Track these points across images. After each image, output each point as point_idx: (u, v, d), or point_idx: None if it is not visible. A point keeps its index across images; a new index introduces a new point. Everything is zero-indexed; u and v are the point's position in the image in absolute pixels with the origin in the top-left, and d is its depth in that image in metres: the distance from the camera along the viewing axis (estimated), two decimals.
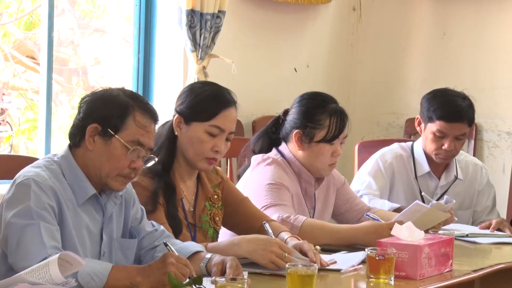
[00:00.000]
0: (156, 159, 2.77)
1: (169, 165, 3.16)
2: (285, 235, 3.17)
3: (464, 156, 4.29)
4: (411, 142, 4.28)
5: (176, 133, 3.16)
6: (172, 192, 3.12)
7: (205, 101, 3.13)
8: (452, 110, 4.03)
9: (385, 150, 4.23)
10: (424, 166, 4.16)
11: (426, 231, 3.36)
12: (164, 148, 3.16)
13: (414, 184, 4.17)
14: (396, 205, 3.90)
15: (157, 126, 2.79)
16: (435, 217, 3.63)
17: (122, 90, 2.76)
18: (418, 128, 4.17)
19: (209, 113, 3.12)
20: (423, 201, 3.90)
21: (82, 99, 2.75)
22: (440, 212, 3.62)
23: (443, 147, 4.05)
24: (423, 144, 4.15)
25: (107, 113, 2.67)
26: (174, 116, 3.18)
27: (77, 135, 2.71)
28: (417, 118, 4.16)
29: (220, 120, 3.12)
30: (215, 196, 3.31)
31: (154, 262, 2.58)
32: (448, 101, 4.05)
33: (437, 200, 4.00)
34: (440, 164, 4.16)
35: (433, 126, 4.05)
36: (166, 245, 2.69)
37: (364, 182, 4.13)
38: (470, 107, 4.06)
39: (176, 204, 3.13)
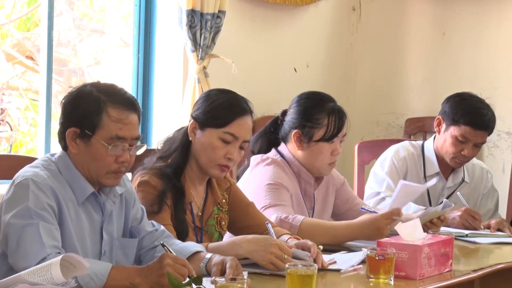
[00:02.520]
0: (145, 146, 2.76)
1: (180, 169, 3.17)
2: (285, 237, 3.18)
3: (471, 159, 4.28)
4: (422, 141, 4.28)
5: (190, 138, 3.17)
6: (181, 196, 3.13)
7: (221, 107, 3.15)
8: (480, 117, 4.03)
9: (398, 147, 4.22)
10: (434, 166, 4.16)
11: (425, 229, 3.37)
12: (177, 152, 3.18)
13: (423, 183, 4.16)
14: (422, 207, 3.85)
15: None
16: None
17: (96, 85, 2.71)
18: (436, 129, 4.14)
19: (223, 119, 3.13)
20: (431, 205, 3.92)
21: (61, 101, 2.73)
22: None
23: (462, 152, 4.04)
24: (439, 145, 4.13)
25: (81, 114, 2.65)
26: (190, 121, 3.20)
27: (62, 139, 2.70)
28: (438, 118, 4.13)
29: (234, 128, 3.13)
30: (223, 200, 3.32)
31: (152, 263, 2.58)
32: (476, 108, 4.05)
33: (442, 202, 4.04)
34: (448, 166, 4.16)
35: (457, 130, 4.03)
36: (163, 246, 2.69)
37: (382, 182, 4.11)
38: (494, 116, 4.10)
39: (184, 208, 3.14)
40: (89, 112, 2.64)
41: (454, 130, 4.05)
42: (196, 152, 3.18)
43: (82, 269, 2.31)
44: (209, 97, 3.20)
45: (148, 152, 3.28)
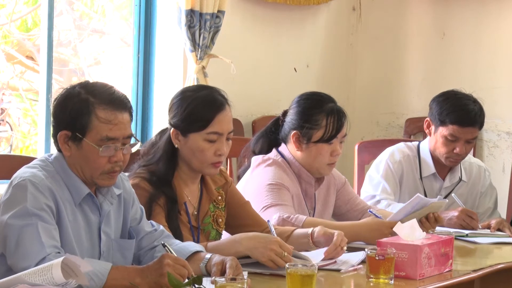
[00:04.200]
0: (139, 144, 2.75)
1: (168, 176, 3.13)
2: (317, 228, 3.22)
3: (468, 157, 4.26)
4: (417, 142, 4.26)
5: (176, 145, 3.15)
6: (173, 203, 3.11)
7: (197, 110, 3.10)
8: (465, 114, 4.00)
9: (393, 150, 4.20)
10: (430, 167, 4.15)
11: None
12: (162, 162, 3.13)
13: (419, 184, 4.16)
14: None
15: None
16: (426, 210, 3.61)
17: (84, 85, 2.70)
18: (427, 131, 4.13)
19: (203, 121, 3.09)
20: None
21: (52, 103, 2.73)
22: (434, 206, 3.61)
23: (454, 151, 4.04)
24: (432, 147, 4.12)
25: (70, 117, 2.65)
26: (170, 129, 3.16)
27: (55, 142, 2.70)
28: (427, 120, 4.13)
29: (216, 125, 3.10)
30: (219, 197, 3.30)
31: (152, 263, 2.58)
32: (461, 105, 4.03)
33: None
34: (445, 166, 4.15)
35: (445, 130, 4.02)
36: (164, 246, 2.68)
37: (378, 185, 4.10)
38: (481, 110, 4.06)
39: (177, 215, 3.12)
40: (78, 115, 2.63)
41: (443, 131, 4.04)
42: (185, 157, 3.15)
43: (82, 278, 2.31)
44: (183, 100, 3.14)
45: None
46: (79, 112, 2.63)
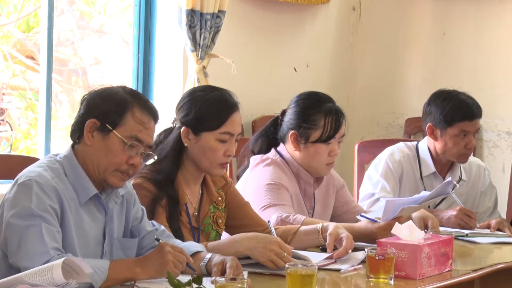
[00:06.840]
0: (156, 157, 2.77)
1: (172, 175, 3.15)
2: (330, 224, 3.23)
3: None
4: (416, 142, 4.26)
5: (186, 144, 3.16)
6: (175, 204, 3.12)
7: (211, 109, 3.14)
8: (470, 108, 4.07)
9: (393, 149, 4.20)
10: (430, 166, 4.15)
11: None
12: (168, 160, 3.15)
13: (420, 184, 4.16)
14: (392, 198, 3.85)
15: (157, 126, 2.79)
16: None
17: (123, 87, 2.77)
18: (432, 136, 4.12)
19: (217, 121, 3.13)
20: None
21: (84, 96, 2.76)
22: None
23: (465, 147, 4.05)
24: (440, 151, 4.11)
25: (105, 108, 2.69)
26: (180, 127, 3.16)
27: (77, 131, 2.72)
28: (429, 126, 4.12)
29: (229, 126, 3.14)
30: (219, 198, 3.31)
31: (150, 253, 2.63)
32: (462, 101, 4.08)
33: (440, 201, 4.04)
34: (445, 165, 4.16)
35: (455, 129, 4.04)
36: (157, 240, 2.73)
37: (377, 184, 4.10)
38: (476, 101, 4.13)
39: (179, 216, 3.12)
40: (114, 109, 2.68)
41: (452, 130, 4.05)
42: (195, 157, 3.16)
43: (83, 276, 2.32)
44: (195, 100, 3.17)
45: None
46: (116, 106, 2.69)
